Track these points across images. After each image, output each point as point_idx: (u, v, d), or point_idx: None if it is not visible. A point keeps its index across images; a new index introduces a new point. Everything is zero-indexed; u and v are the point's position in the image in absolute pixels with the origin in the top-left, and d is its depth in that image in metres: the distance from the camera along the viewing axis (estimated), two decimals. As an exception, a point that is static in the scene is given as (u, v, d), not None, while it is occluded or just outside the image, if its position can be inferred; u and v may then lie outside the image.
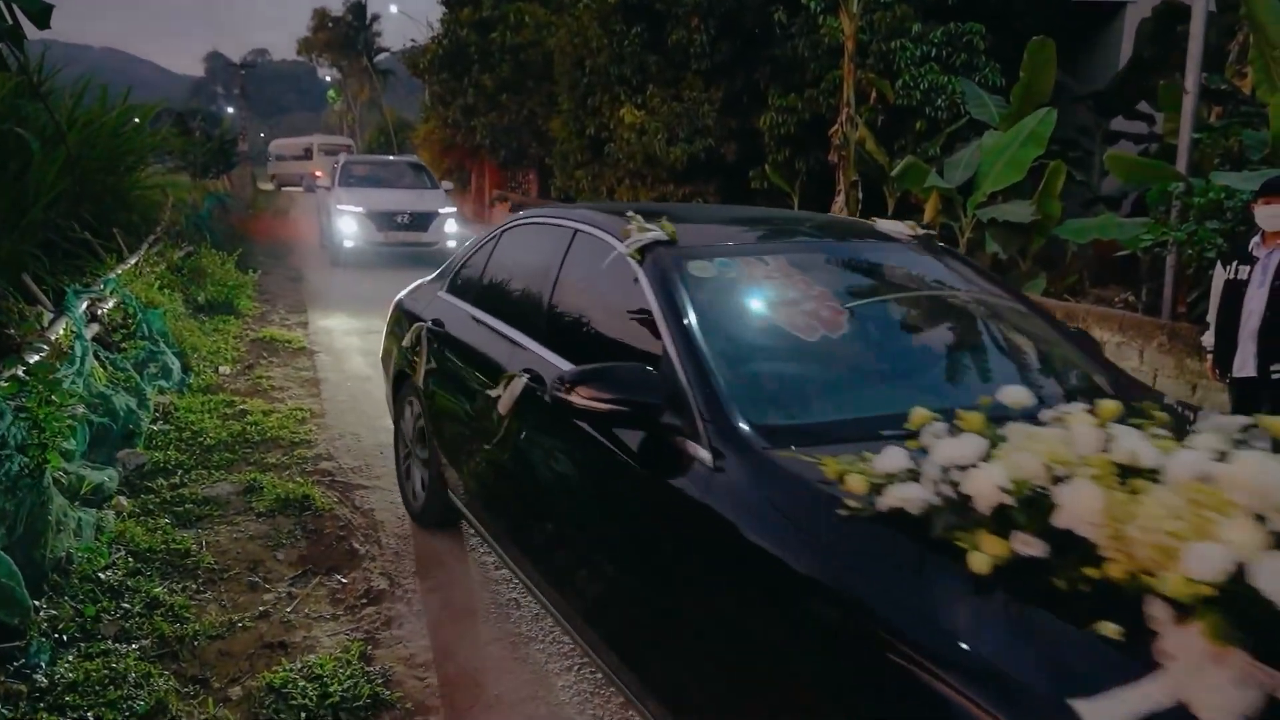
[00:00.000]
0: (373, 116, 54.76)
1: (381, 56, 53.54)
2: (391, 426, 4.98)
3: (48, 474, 3.52)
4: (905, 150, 10.23)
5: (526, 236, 3.83)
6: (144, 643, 3.26)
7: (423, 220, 14.83)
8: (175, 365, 6.78)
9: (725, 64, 12.22)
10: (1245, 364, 4.42)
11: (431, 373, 4.02)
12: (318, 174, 45.38)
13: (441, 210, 15.12)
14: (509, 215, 4.26)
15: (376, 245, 14.42)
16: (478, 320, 3.75)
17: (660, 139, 12.10)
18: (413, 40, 33.20)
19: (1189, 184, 6.39)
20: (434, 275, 4.73)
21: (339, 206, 14.53)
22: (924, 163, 9.26)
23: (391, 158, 19.82)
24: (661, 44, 12.80)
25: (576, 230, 3.26)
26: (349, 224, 14.30)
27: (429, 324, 4.10)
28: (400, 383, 4.55)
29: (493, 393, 3.19)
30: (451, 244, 14.53)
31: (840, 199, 9.90)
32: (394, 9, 50.78)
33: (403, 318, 4.62)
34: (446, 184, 17.14)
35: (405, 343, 4.36)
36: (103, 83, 9.80)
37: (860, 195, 9.94)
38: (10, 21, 3.29)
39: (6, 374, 3.69)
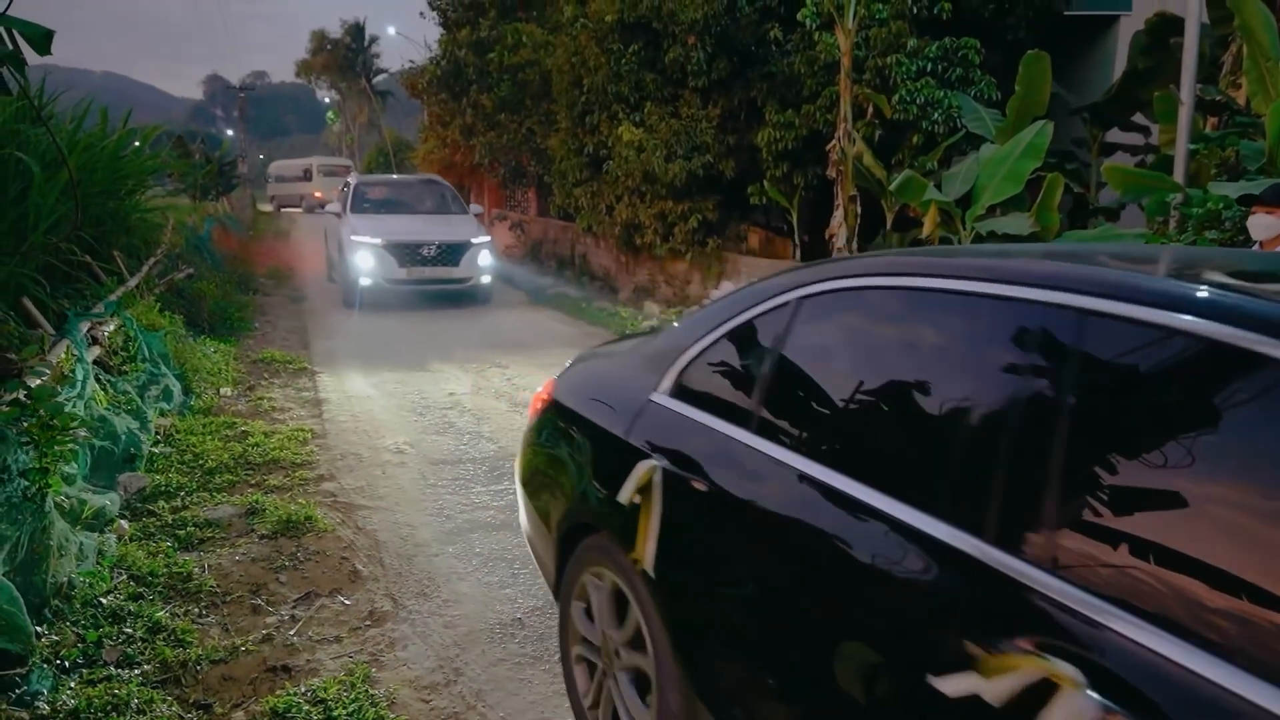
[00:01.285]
0: (371, 137, 55.01)
1: (380, 78, 53.90)
2: (395, 449, 4.94)
3: (49, 499, 3.51)
4: (902, 164, 10.26)
5: (882, 309, 2.19)
6: (146, 668, 3.24)
7: (453, 252, 12.52)
8: (176, 387, 6.78)
9: (722, 81, 12.26)
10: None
11: (676, 546, 2.39)
12: (317, 194, 45.64)
13: (474, 240, 12.72)
14: (797, 270, 2.47)
15: (399, 284, 12.25)
16: (777, 462, 2.17)
17: (659, 156, 12.13)
18: (411, 61, 33.45)
19: (1187, 194, 6.40)
20: (614, 352, 3.33)
21: (353, 238, 12.24)
22: (922, 176, 9.28)
23: (410, 177, 16.63)
24: (659, 62, 12.86)
25: (1089, 312, 1.64)
26: (365, 259, 12.07)
27: (664, 462, 2.48)
28: (574, 538, 2.89)
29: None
30: (486, 279, 12.89)
31: (839, 213, 9.92)
32: (392, 31, 51.17)
33: (570, 427, 3.05)
34: (476, 207, 14.74)
35: (595, 480, 2.81)
36: (103, 106, 9.84)
37: (859, 209, 9.96)
38: (11, 47, 3.30)
39: (8, 398, 3.68)
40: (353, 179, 14.97)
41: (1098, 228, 8.67)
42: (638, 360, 2.95)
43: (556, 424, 3.14)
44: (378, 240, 12.22)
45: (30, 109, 6.80)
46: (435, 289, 12.57)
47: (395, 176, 17.69)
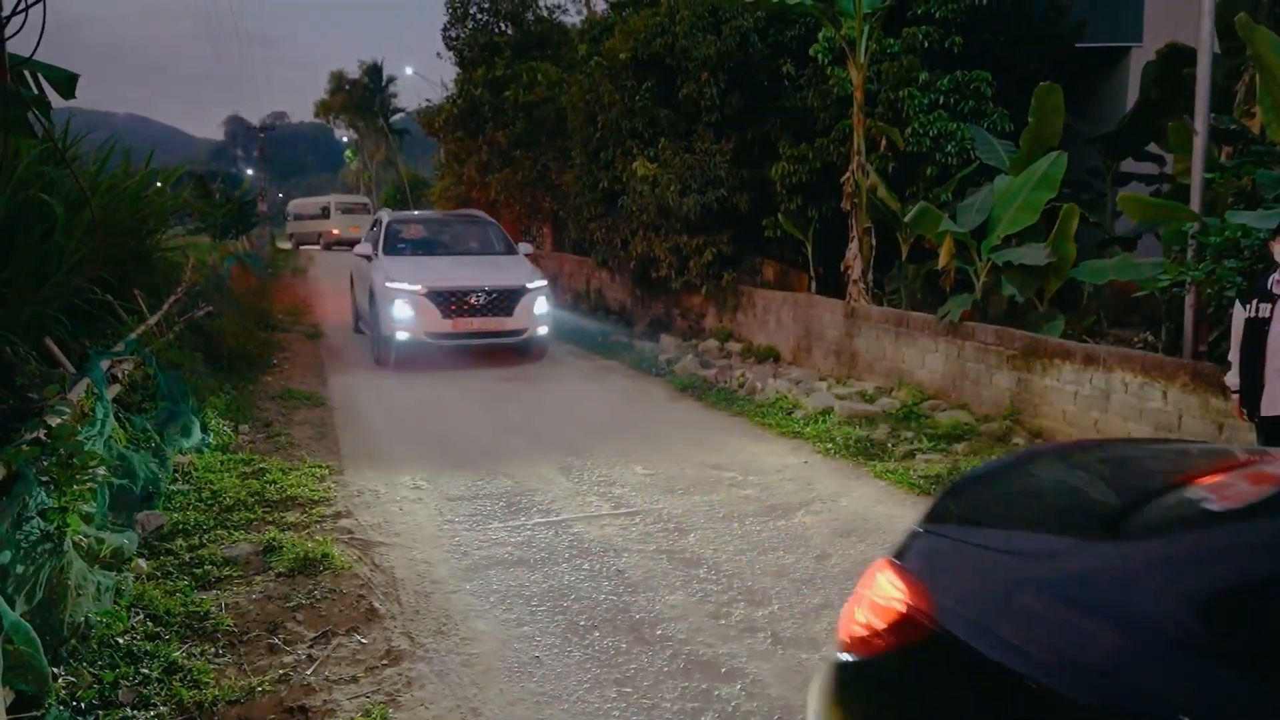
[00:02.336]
0: (389, 175, 55.72)
1: (397, 117, 54.66)
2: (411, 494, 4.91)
3: (68, 538, 3.51)
4: (917, 196, 10.27)
5: None
6: (163, 709, 3.22)
7: (505, 300, 10.59)
8: (195, 425, 6.81)
9: (736, 116, 12.36)
10: (1274, 403, 4.35)
11: None
12: (334, 231, 46.05)
13: (529, 285, 10.81)
14: None
15: (443, 338, 10.42)
16: None
17: (673, 190, 12.20)
18: (427, 100, 33.86)
19: (1204, 223, 6.37)
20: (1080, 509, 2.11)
21: (388, 284, 10.40)
22: (936, 208, 9.28)
23: (451, 214, 14.95)
24: (672, 98, 12.98)
25: None
26: (402, 309, 10.23)
27: None
28: None
29: None
30: (543, 331, 10.93)
31: (854, 245, 9.93)
32: (409, 71, 52.06)
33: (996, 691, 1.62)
34: (525, 246, 12.63)
35: None
36: (126, 147, 10.01)
37: (874, 241, 9.97)
38: (37, 91, 3.36)
39: (28, 437, 3.70)
40: (384, 216, 12.73)
41: (1116, 257, 8.62)
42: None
43: (950, 678, 1.73)
44: (417, 287, 10.27)
45: (54, 151, 6.92)
46: (484, 343, 10.69)
47: (434, 213, 15.25)
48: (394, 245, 11.82)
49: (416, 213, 14.12)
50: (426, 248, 12.11)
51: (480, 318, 10.46)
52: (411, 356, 10.45)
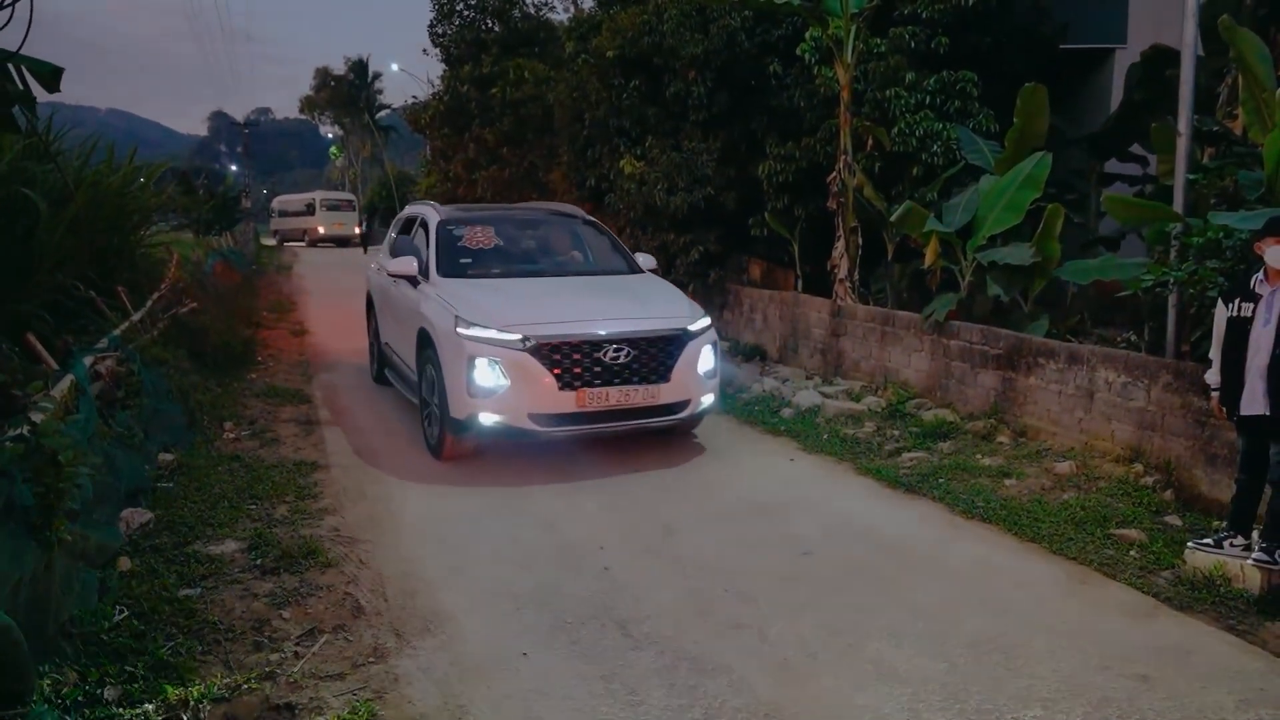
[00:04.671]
0: (374, 172, 55.52)
1: (383, 113, 54.46)
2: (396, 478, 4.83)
3: (52, 535, 3.49)
4: (903, 195, 10.32)
5: None
6: (148, 707, 3.20)
7: (659, 356, 6.48)
8: (180, 422, 6.77)
9: (723, 114, 12.38)
10: (1255, 401, 4.40)
11: None
12: (319, 229, 45.79)
13: (691, 327, 6.70)
14: None
15: (559, 424, 6.28)
16: None
17: (660, 189, 12.21)
18: (414, 97, 33.82)
19: (1187, 224, 6.42)
20: None
21: (461, 331, 6.30)
22: (922, 207, 9.33)
23: (532, 209, 9.50)
24: (659, 96, 12.99)
25: None
26: (491, 374, 6.16)
27: None
28: None
29: None
30: (711, 399, 6.85)
31: (840, 244, 9.96)
32: (395, 67, 51.82)
33: None
34: (647, 258, 8.23)
35: None
36: (109, 143, 9.93)
37: (860, 240, 10.00)
38: (22, 86, 3.33)
39: (12, 434, 3.67)
40: (431, 214, 8.02)
41: (1100, 257, 8.68)
42: None
43: None
44: (514, 337, 6.16)
45: (39, 146, 6.87)
46: (627, 428, 6.58)
47: (506, 209, 9.44)
48: (455, 261, 7.37)
49: (480, 209, 9.05)
50: (506, 265, 7.63)
51: (620, 387, 6.25)
52: (504, 450, 6.71)
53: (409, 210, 9.15)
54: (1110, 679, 3.58)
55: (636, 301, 6.92)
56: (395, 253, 8.10)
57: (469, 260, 7.49)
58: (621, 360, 6.24)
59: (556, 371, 6.12)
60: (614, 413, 6.31)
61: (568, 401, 6.14)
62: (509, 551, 4.88)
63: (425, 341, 6.82)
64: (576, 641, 3.85)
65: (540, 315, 6.38)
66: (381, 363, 9.01)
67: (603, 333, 6.26)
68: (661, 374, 6.41)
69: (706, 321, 6.90)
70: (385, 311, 8.72)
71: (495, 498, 5.85)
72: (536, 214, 8.92)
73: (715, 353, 6.85)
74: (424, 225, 8.00)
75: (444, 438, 6.50)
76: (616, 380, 6.24)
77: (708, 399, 6.78)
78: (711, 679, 3.54)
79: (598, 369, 6.20)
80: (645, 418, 6.46)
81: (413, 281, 7.31)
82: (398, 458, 6.76)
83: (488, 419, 6.16)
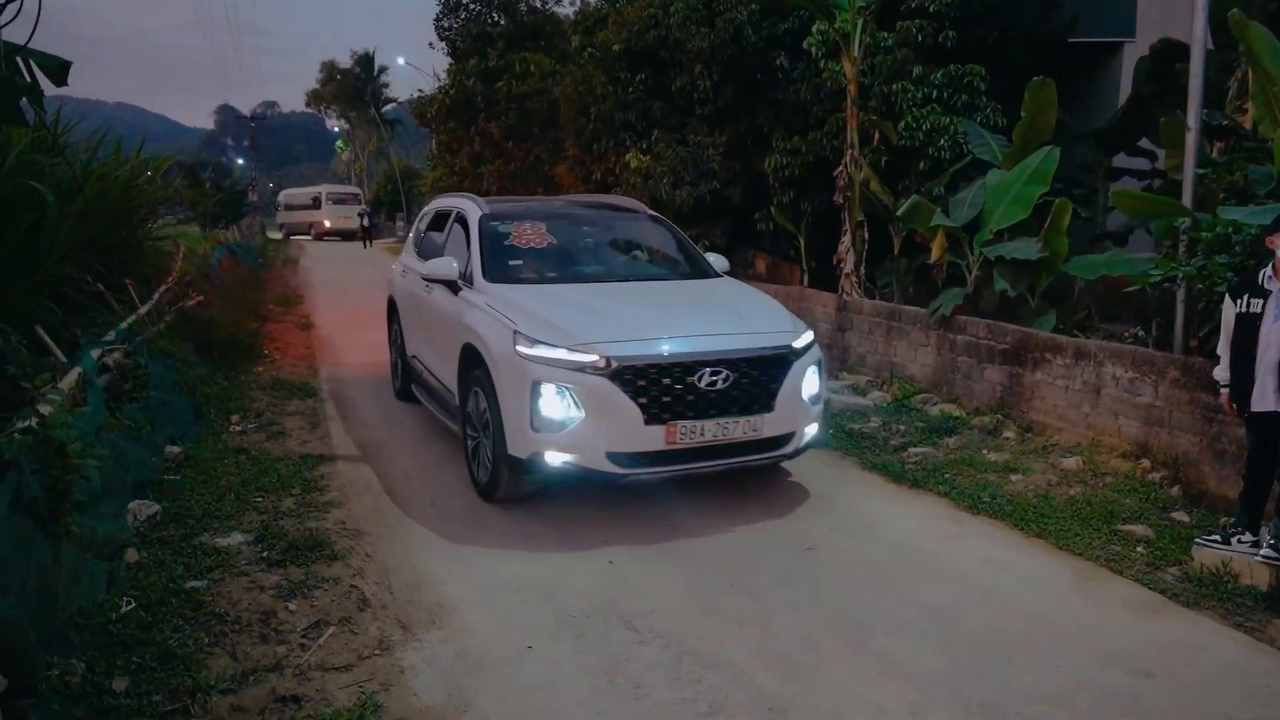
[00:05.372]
0: (380, 165, 55.58)
1: (389, 107, 54.49)
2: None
3: (60, 527, 3.50)
4: (909, 190, 10.30)
5: None
6: (155, 698, 3.22)
7: (762, 380, 5.33)
8: (187, 414, 6.80)
9: (729, 108, 12.37)
10: (1265, 398, 4.38)
11: None
12: (325, 222, 45.86)
13: (795, 344, 5.56)
14: None
15: (644, 465, 5.11)
16: None
17: (666, 183, 12.21)
18: (420, 91, 33.79)
19: (1195, 219, 6.40)
20: None
21: (523, 350, 5.15)
22: (929, 202, 9.31)
23: (587, 202, 8.34)
24: (665, 90, 12.98)
25: None
26: (561, 405, 5.05)
27: None
28: None
29: None
30: (815, 430, 5.70)
31: (846, 239, 9.95)
32: (401, 61, 51.90)
33: None
34: (719, 258, 7.09)
35: None
36: (116, 136, 9.94)
37: (866, 235, 9.98)
38: (30, 79, 3.34)
39: (21, 426, 3.69)
40: (471, 208, 6.85)
41: (1107, 252, 8.65)
42: None
43: None
44: (592, 358, 5.03)
45: (47, 140, 6.89)
46: (722, 468, 5.39)
47: (553, 202, 8.24)
48: (504, 263, 6.28)
49: (527, 202, 7.81)
50: (563, 268, 6.51)
51: (718, 419, 5.13)
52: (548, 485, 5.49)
53: (440, 203, 8.03)
54: (1116, 675, 3.58)
55: (730, 313, 5.77)
56: (424, 252, 7.38)
57: (519, 262, 6.33)
58: (719, 386, 5.09)
59: (642, 401, 4.94)
60: (709, 450, 5.15)
61: (655, 438, 4.98)
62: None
63: (472, 360, 5.66)
64: (581, 634, 3.85)
65: (619, 331, 5.20)
66: (407, 378, 7.89)
67: (698, 353, 5.11)
68: (764, 402, 5.25)
69: (811, 337, 5.73)
70: (415, 321, 7.51)
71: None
72: (592, 208, 7.74)
73: (821, 375, 5.75)
74: (462, 221, 6.82)
75: (498, 478, 5.35)
76: (713, 411, 5.10)
77: (812, 429, 5.62)
78: (715, 673, 3.55)
79: (691, 397, 5.04)
80: (745, 455, 5.31)
81: (452, 287, 6.23)
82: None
83: (556, 459, 5.00)
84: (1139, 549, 4.87)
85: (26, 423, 3.71)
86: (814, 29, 10.87)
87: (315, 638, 3.78)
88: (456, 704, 3.31)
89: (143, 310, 7.86)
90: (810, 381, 5.58)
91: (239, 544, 4.72)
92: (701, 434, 5.08)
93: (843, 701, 3.36)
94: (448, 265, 6.30)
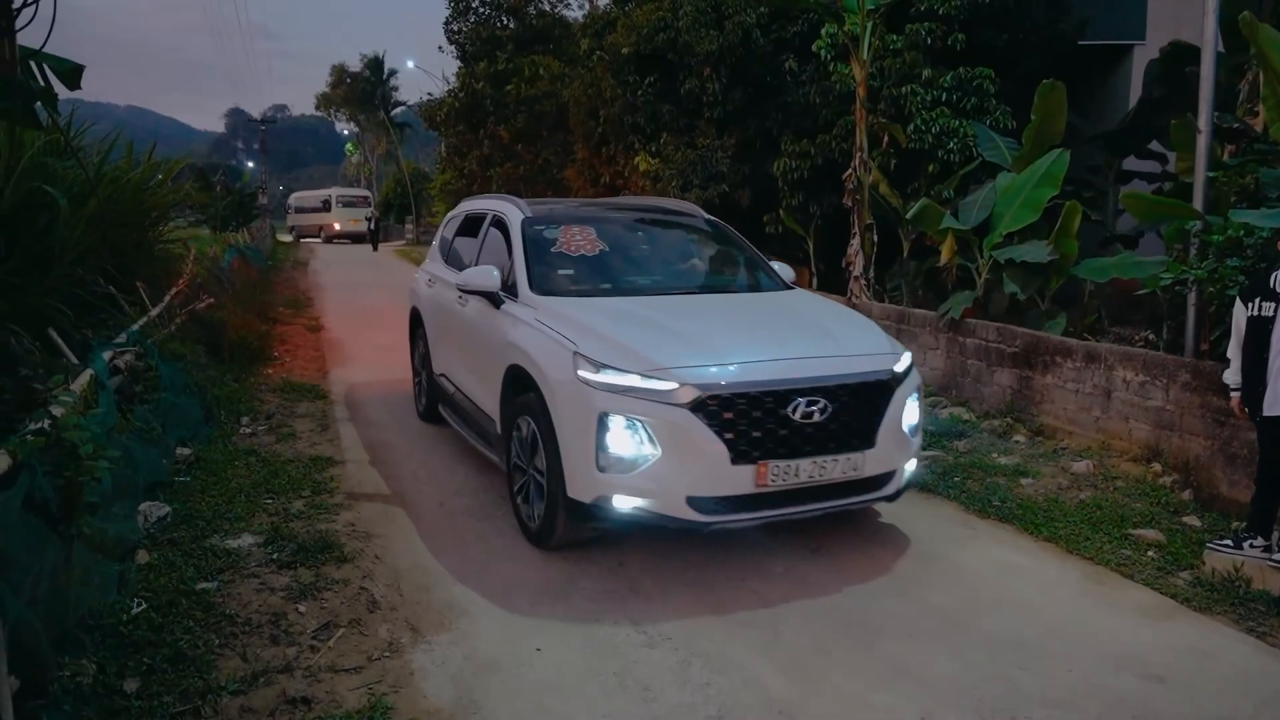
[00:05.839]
0: (389, 168, 55.75)
1: (398, 110, 54.63)
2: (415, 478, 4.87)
3: (73, 529, 3.52)
4: (918, 193, 10.29)
5: None
6: (166, 699, 3.23)
7: (860, 410, 4.61)
8: (197, 416, 6.82)
9: (738, 111, 12.37)
10: (1277, 402, 4.36)
11: None
12: (335, 225, 46.00)
13: (897, 368, 4.84)
14: None
15: (731, 511, 4.38)
16: None
17: (675, 185, 12.21)
18: (429, 94, 33.95)
19: (1207, 222, 6.37)
20: None
21: (587, 375, 4.43)
22: (938, 205, 9.30)
23: (640, 206, 7.50)
24: (674, 93, 12.99)
25: None
26: (633, 442, 4.33)
27: None
28: None
29: None
30: (914, 465, 5.02)
31: (855, 242, 9.94)
32: (411, 64, 52.07)
33: None
34: (784, 267, 6.38)
35: None
36: (128, 139, 10.00)
37: (875, 238, 9.97)
38: (44, 83, 3.37)
39: (33, 428, 3.71)
40: (512, 210, 6.21)
41: (1117, 255, 8.63)
42: None
43: None
44: (670, 386, 4.32)
45: (61, 143, 6.93)
46: (817, 513, 4.71)
47: (610, 206, 7.34)
48: (553, 272, 5.62)
49: (572, 204, 7.47)
50: (618, 278, 5.77)
51: (816, 458, 4.47)
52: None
53: (472, 206, 7.33)
54: (1126, 680, 3.56)
55: (819, 332, 5.02)
56: (454, 260, 6.90)
57: (569, 271, 5.65)
58: (816, 419, 4.40)
59: (729, 437, 4.24)
60: (804, 493, 4.48)
61: (743, 479, 4.29)
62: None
63: (520, 384, 4.98)
64: (590, 637, 3.86)
65: (699, 353, 4.48)
66: (433, 398, 7.17)
67: (792, 379, 4.42)
68: (865, 436, 4.58)
69: (910, 359, 5.01)
70: (445, 336, 6.82)
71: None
72: (643, 211, 6.96)
73: (919, 401, 5.05)
74: (501, 225, 6.17)
75: (552, 523, 4.65)
76: (808, 447, 4.41)
77: (911, 465, 4.93)
78: (724, 676, 3.54)
79: (784, 432, 4.35)
80: (843, 498, 4.64)
81: (493, 300, 5.56)
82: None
83: (626, 503, 4.31)
84: (1150, 553, 4.85)
85: (39, 424, 3.73)
86: (823, 32, 10.87)
87: (325, 639, 3.79)
88: (466, 706, 3.31)
89: (154, 312, 7.89)
90: (911, 410, 4.89)
91: (249, 546, 4.74)
92: (796, 474, 4.37)
93: (852, 705, 3.36)
94: (488, 275, 5.58)
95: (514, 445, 5.06)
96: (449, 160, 27.74)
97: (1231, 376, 4.75)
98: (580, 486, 4.41)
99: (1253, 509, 4.63)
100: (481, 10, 24.94)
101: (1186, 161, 7.92)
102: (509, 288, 5.55)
